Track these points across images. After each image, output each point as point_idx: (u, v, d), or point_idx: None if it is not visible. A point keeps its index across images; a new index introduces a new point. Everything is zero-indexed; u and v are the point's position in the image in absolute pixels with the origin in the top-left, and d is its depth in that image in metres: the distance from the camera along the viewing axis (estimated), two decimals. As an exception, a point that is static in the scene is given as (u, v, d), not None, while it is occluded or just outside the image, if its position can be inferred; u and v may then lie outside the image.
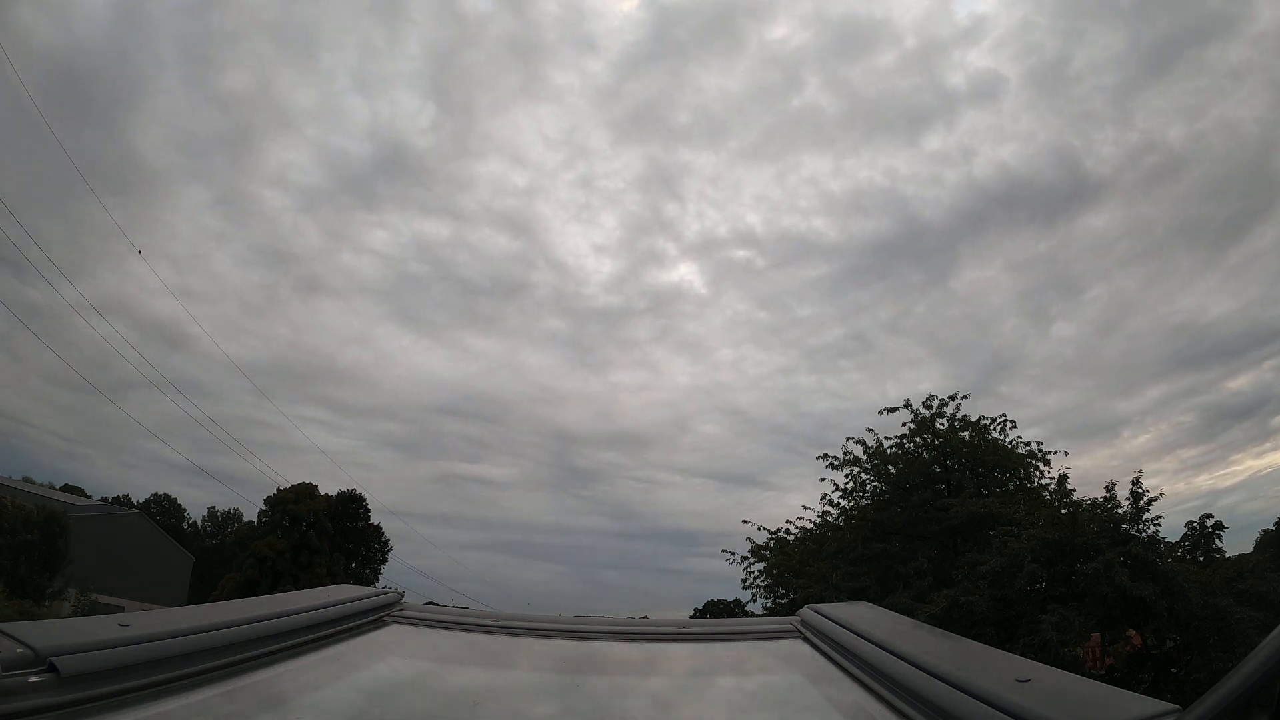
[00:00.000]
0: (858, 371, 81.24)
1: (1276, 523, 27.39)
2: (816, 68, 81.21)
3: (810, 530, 20.54)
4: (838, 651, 1.73)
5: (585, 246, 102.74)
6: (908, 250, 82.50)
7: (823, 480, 20.03)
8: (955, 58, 74.52)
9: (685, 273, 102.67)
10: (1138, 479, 13.93)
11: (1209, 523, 14.28)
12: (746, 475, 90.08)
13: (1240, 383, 59.37)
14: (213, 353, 73.43)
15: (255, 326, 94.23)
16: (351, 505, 52.28)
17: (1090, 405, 66.07)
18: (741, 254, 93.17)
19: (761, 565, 21.06)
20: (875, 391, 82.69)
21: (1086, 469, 53.92)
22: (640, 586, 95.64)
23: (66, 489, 56.67)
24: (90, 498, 55.25)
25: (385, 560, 54.85)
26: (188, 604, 24.91)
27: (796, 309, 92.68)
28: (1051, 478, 17.68)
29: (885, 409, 19.63)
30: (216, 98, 79.34)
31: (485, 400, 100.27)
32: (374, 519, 54.11)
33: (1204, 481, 54.73)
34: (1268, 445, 52.30)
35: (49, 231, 54.30)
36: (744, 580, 21.39)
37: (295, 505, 46.38)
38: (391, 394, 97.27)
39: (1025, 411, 59.92)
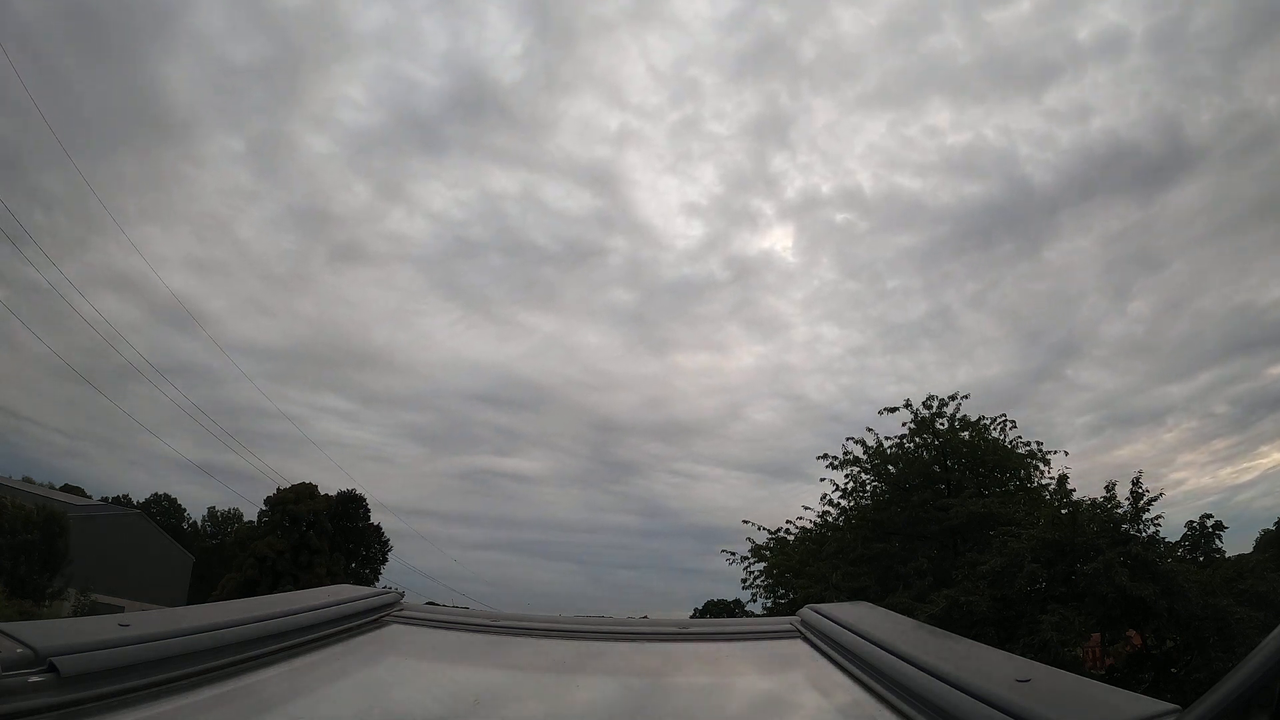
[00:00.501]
0: (934, 352, 74.00)
1: (1276, 523, 27.43)
2: (958, 8, 72.11)
3: (810, 530, 20.55)
4: (838, 651, 1.73)
5: (675, 205, 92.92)
6: (1010, 216, 75.80)
7: (823, 480, 20.08)
8: (1088, 9, 67.58)
9: (778, 238, 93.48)
10: (1138, 479, 13.95)
11: (1209, 523, 14.31)
12: (790, 467, 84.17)
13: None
14: (226, 335, 68.95)
15: (278, 302, 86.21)
16: (351, 505, 52.29)
17: (1146, 391, 64.77)
18: (842, 216, 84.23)
19: (761, 565, 21.07)
20: (945, 375, 76.45)
21: (1125, 459, 52.86)
22: (655, 587, 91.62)
23: (66, 489, 56.65)
24: (90, 498, 55.21)
25: (385, 560, 54.95)
26: (188, 604, 24.91)
27: (887, 280, 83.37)
28: (1051, 478, 17.73)
29: (885, 409, 19.67)
30: (264, 18, 69.50)
31: (527, 386, 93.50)
32: (374, 519, 54.23)
33: (1227, 475, 53.23)
34: (1295, 438, 49.73)
35: (51, 191, 49.81)
36: (744, 580, 21.43)
37: (295, 505, 46.38)
38: (424, 379, 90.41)
39: (1085, 396, 58.92)
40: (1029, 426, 53.05)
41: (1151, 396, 62.88)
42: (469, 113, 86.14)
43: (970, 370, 67.98)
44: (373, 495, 54.96)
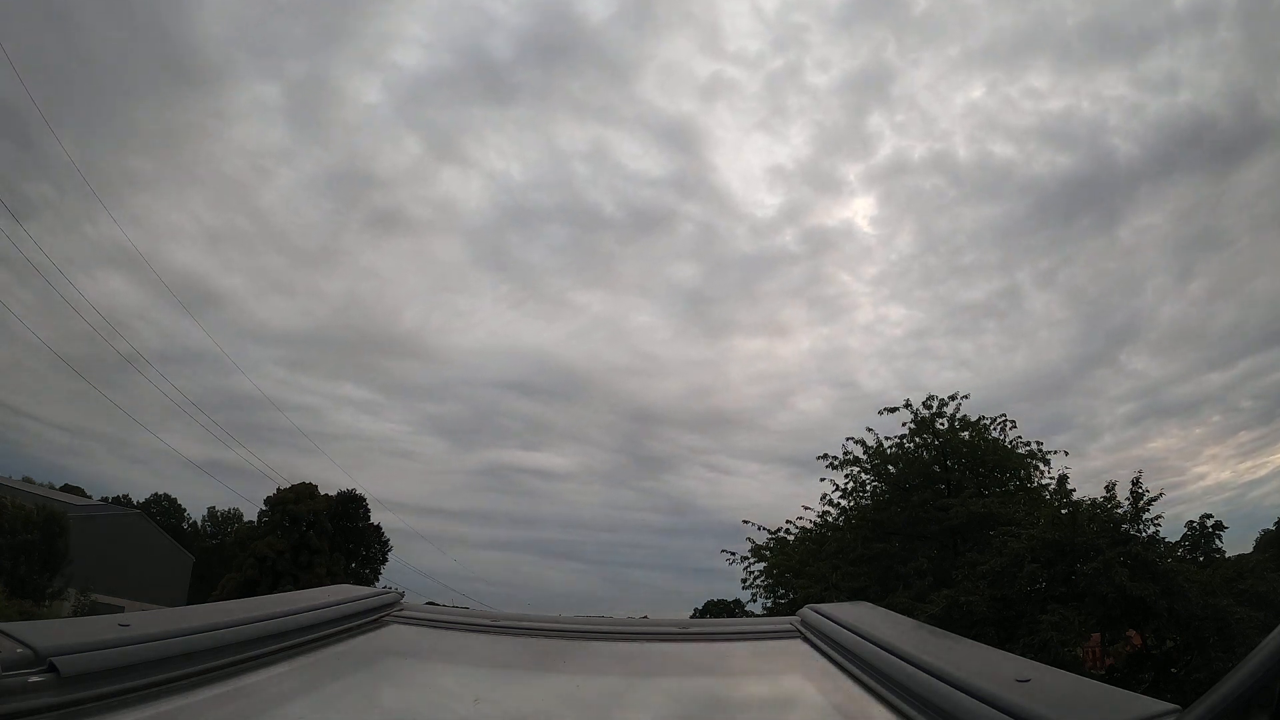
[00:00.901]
0: (997, 334, 72.04)
1: (1277, 523, 27.43)
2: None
3: (810, 530, 20.55)
4: (838, 651, 1.73)
5: (759, 168, 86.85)
6: (1093, 189, 71.35)
7: (822, 480, 20.08)
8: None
9: (860, 207, 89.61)
10: (1138, 479, 13.96)
11: (1209, 523, 14.32)
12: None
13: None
14: (240, 318, 64.94)
15: (301, 279, 79.32)
16: (352, 505, 52.31)
17: (1190, 378, 63.84)
18: (932, 182, 78.26)
19: (761, 565, 21.07)
20: (1004, 360, 71.24)
21: (1155, 452, 52.57)
22: (669, 586, 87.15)
23: (66, 489, 56.61)
24: (90, 498, 55.14)
25: (385, 560, 54.97)
26: (188, 604, 24.91)
27: (966, 253, 78.14)
28: (1051, 478, 17.76)
29: (885, 409, 19.68)
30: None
31: (564, 372, 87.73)
32: (375, 519, 54.24)
33: (1245, 470, 52.17)
34: (1317, 431, 48.24)
35: (60, 159, 44.45)
36: (744, 580, 21.42)
37: (295, 505, 46.41)
38: (453, 366, 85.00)
39: (1130, 384, 58.69)
40: (1072, 415, 52.05)
41: (1193, 384, 62.26)
42: (546, 55, 77.92)
43: (1029, 354, 65.90)
44: (379, 493, 53.60)
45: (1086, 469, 48.98)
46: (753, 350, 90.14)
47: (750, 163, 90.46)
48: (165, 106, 65.15)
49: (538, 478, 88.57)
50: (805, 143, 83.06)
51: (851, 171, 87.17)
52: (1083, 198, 71.92)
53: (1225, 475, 48.56)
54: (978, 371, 67.93)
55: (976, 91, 76.68)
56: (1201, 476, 47.18)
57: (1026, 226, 75.78)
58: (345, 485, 52.30)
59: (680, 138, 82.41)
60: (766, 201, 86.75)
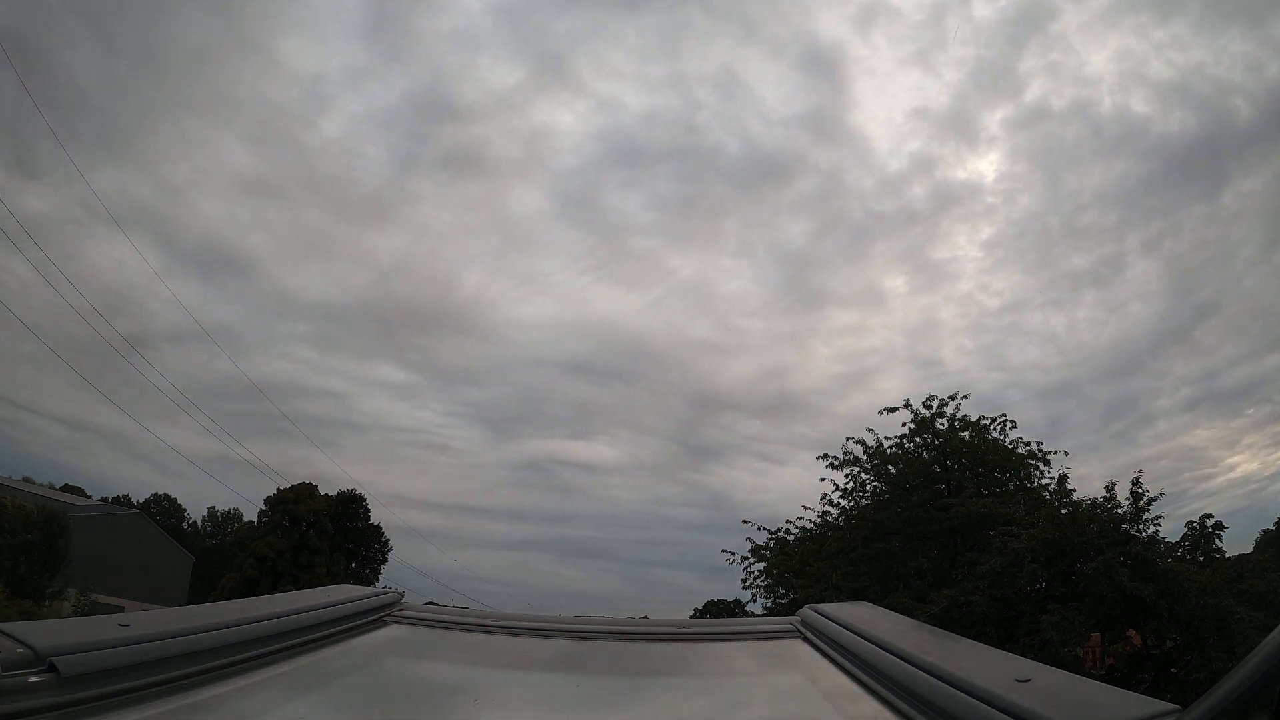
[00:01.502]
0: (1091, 308, 64.71)
1: (1277, 522, 27.42)
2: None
3: (810, 530, 20.55)
4: (838, 651, 1.73)
5: (901, 110, 78.53)
6: (1214, 148, 64.60)
7: (822, 480, 20.08)
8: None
9: (993, 161, 77.34)
10: (1138, 479, 13.98)
11: (1209, 522, 14.33)
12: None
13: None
14: (267, 286, 57.54)
15: (344, 236, 69.41)
16: (352, 505, 52.33)
17: (1250, 357, 59.17)
18: (1072, 131, 67.87)
19: (761, 565, 21.07)
20: (1091, 335, 65.17)
21: (1200, 440, 51.41)
22: (690, 586, 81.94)
23: (66, 489, 56.57)
24: (90, 498, 55.08)
25: (385, 560, 54.97)
26: (188, 604, 24.91)
27: (1088, 213, 68.64)
28: (1051, 478, 17.77)
29: (885, 409, 19.70)
30: None
31: (632, 348, 78.16)
32: (375, 518, 54.24)
33: (1274, 459, 48.90)
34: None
35: (62, 96, 40.46)
36: (744, 580, 21.42)
37: (295, 505, 46.41)
38: (507, 343, 76.06)
39: (1198, 364, 56.27)
40: (1136, 398, 50.35)
41: (1253, 365, 58.18)
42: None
43: (1116, 328, 61.45)
44: (403, 490, 50.89)
45: (1137, 458, 47.81)
46: (842, 324, 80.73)
47: (896, 101, 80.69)
48: (213, 13, 55.26)
49: (580, 471, 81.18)
50: (957, 81, 71.74)
51: (995, 117, 75.00)
52: (1203, 159, 64.89)
53: (1254, 466, 47.17)
54: (1062, 348, 63.22)
55: (1128, 36, 66.96)
56: (1232, 468, 46.03)
57: (1151, 186, 66.86)
58: (352, 481, 51.79)
59: (825, 66, 70.29)
60: (902, 148, 76.13)
